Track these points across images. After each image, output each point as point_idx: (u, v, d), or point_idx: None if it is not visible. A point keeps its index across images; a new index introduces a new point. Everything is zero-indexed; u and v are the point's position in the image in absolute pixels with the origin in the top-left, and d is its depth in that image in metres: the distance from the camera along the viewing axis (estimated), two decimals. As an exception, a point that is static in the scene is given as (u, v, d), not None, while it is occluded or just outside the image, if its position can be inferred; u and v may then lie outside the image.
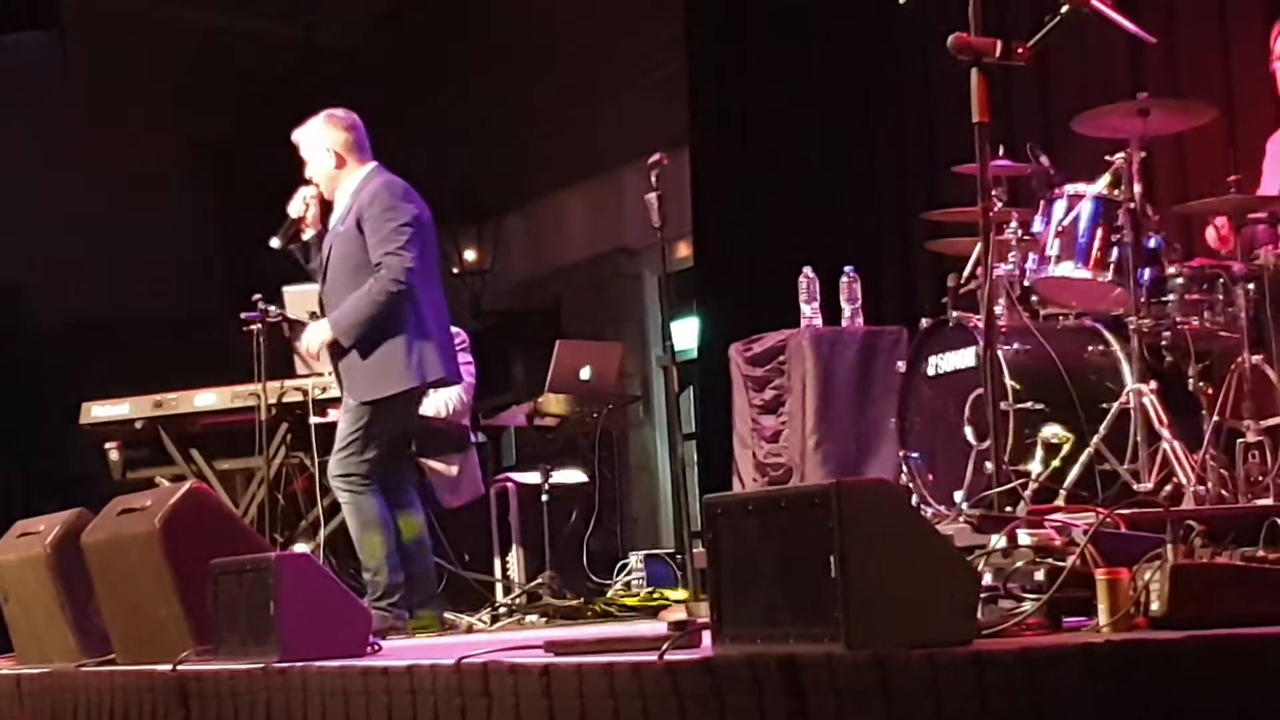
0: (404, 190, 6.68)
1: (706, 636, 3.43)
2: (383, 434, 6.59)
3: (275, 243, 6.75)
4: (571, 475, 8.86)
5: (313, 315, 7.53)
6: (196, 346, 9.92)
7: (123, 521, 5.27)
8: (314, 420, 7.38)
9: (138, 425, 7.82)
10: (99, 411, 7.91)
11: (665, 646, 3.39)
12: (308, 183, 6.77)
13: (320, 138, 6.77)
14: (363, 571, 6.62)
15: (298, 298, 7.57)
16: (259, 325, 7.31)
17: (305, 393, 7.44)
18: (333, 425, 7.52)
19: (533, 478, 8.57)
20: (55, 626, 5.66)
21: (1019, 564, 3.57)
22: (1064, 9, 4.69)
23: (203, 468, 7.76)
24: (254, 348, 7.30)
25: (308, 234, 6.76)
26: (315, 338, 6.64)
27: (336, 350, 6.60)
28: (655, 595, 7.69)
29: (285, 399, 7.46)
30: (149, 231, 13.12)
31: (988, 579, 3.57)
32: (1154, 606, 3.17)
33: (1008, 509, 4.56)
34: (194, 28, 13.36)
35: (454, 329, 7.62)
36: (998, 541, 3.78)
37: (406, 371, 6.54)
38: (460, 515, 8.47)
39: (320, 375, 7.50)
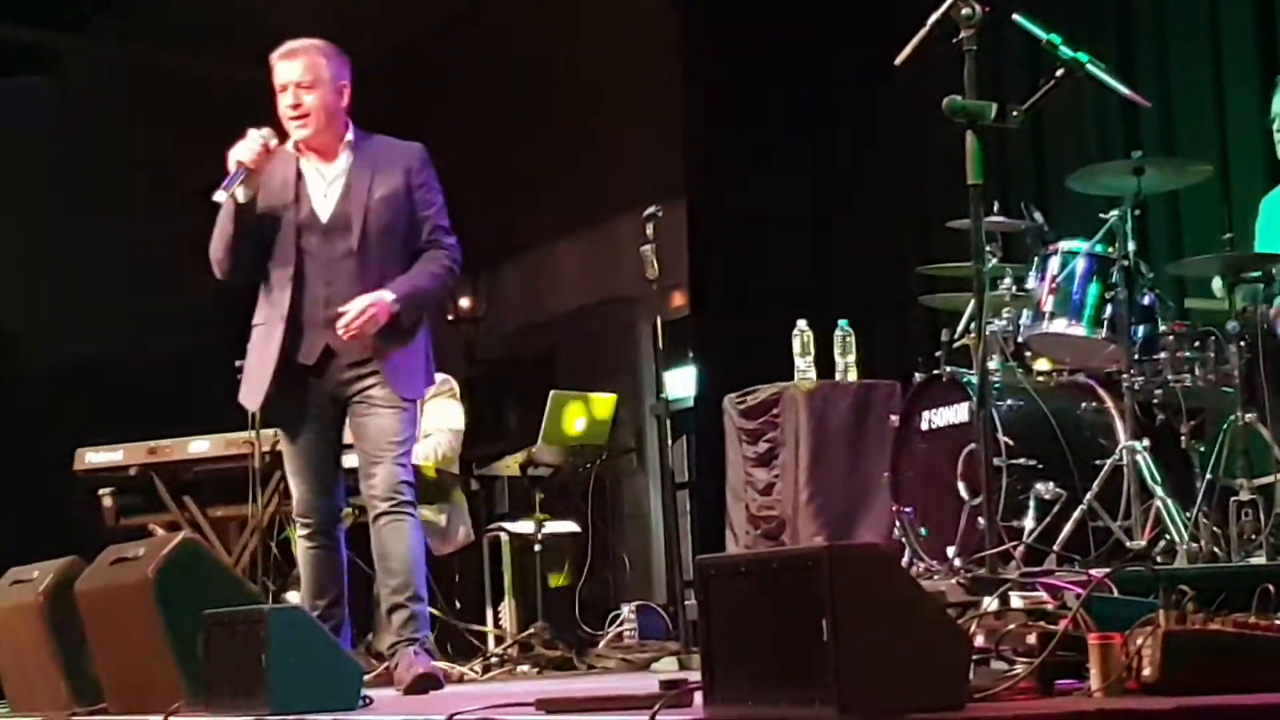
0: None
1: (698, 696, 3.43)
2: None
3: (221, 196, 5.47)
4: (564, 525, 8.85)
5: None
6: (192, 392, 9.87)
7: (116, 571, 5.25)
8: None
9: (131, 472, 7.79)
10: (93, 458, 7.88)
11: (657, 707, 3.38)
12: (260, 124, 5.54)
13: (337, 68, 5.67)
14: (412, 602, 5.54)
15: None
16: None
17: (299, 441, 7.40)
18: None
19: (525, 527, 8.56)
20: (47, 675, 5.63)
21: (1011, 627, 3.58)
22: (1058, 73, 4.70)
23: (196, 515, 7.73)
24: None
25: (248, 190, 5.52)
26: (377, 312, 5.43)
27: (387, 333, 5.51)
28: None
29: (279, 447, 7.42)
30: (145, 274, 13.07)
31: (980, 641, 3.58)
32: (1146, 672, 3.18)
33: (1000, 569, 4.56)
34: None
35: (442, 375, 7.58)
36: (990, 603, 3.79)
37: (431, 370, 5.75)
38: (452, 563, 8.47)
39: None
